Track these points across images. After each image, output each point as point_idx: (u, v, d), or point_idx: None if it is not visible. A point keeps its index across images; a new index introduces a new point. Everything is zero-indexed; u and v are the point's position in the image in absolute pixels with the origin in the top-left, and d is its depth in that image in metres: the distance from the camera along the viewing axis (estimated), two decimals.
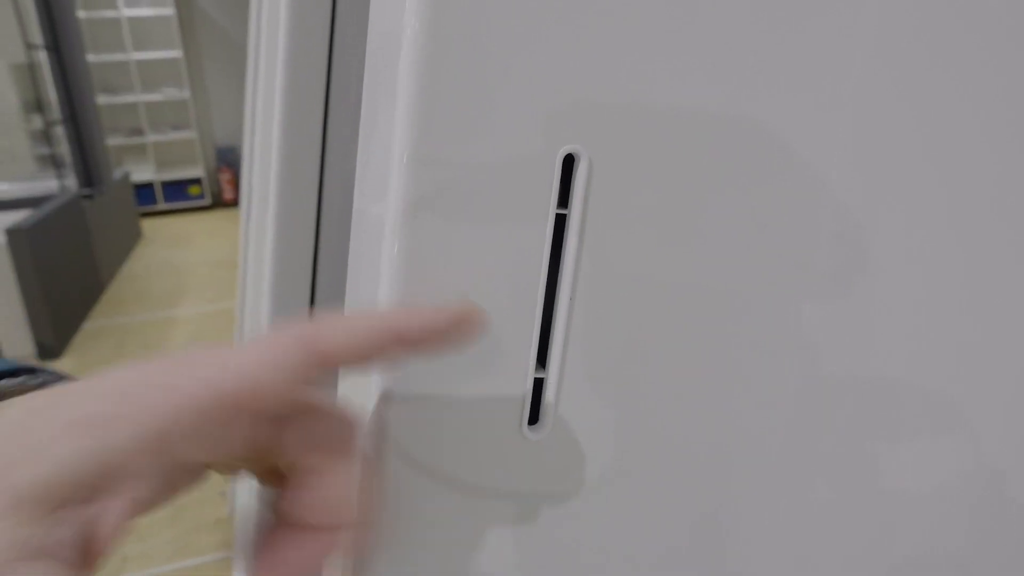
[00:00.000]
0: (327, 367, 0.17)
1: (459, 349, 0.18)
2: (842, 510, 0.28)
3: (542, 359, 0.22)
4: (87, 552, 0.15)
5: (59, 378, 0.22)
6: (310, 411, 0.19)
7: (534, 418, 0.23)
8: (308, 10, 0.48)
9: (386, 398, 0.22)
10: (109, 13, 3.94)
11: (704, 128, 0.21)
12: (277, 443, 0.18)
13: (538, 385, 0.22)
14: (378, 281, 0.21)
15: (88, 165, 3.07)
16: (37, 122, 3.26)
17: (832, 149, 0.22)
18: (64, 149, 3.05)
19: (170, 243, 3.84)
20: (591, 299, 0.22)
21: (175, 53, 4.11)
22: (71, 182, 3.04)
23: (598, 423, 0.23)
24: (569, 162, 0.20)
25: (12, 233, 2.31)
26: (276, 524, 0.19)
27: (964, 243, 0.25)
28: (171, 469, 0.17)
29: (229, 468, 0.20)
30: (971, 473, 0.28)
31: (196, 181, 4.38)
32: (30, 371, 0.21)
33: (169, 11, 4.02)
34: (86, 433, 0.15)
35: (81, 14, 3.52)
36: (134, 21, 4.00)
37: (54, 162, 3.07)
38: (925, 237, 0.24)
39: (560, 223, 0.21)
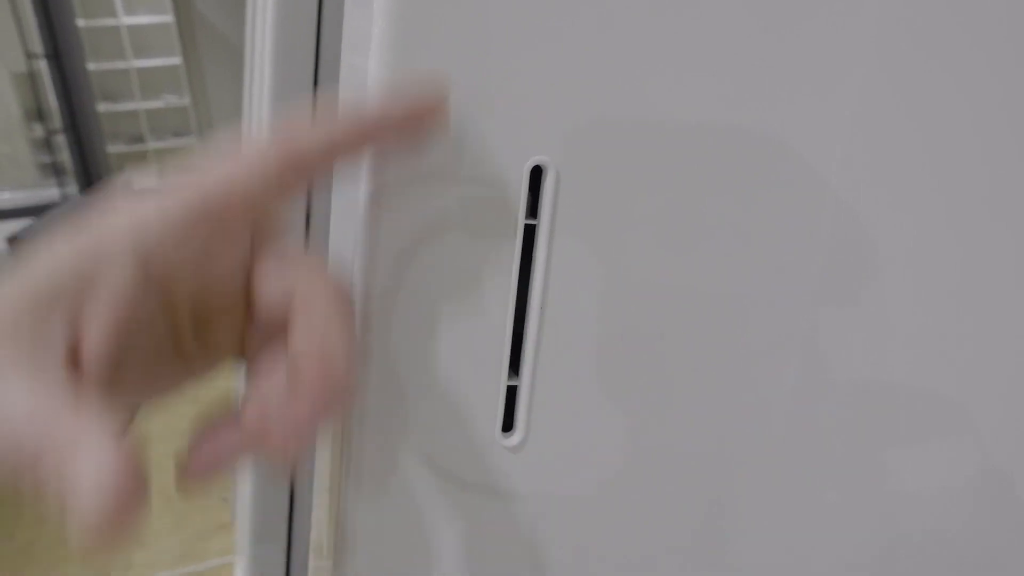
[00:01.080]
0: (304, 169, 0.18)
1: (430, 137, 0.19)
2: (842, 511, 0.28)
3: (516, 367, 0.23)
4: (73, 357, 0.16)
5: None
6: (282, 253, 0.19)
7: (508, 425, 0.23)
8: (295, 13, 0.48)
9: (369, 394, 0.22)
10: (109, 21, 3.95)
11: (677, 136, 0.21)
12: (255, 281, 0.19)
13: (512, 392, 0.23)
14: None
15: (89, 173, 3.07)
16: (38, 130, 3.27)
17: (829, 154, 0.22)
18: (65, 157, 3.06)
19: None
20: (562, 307, 0.22)
21: (175, 60, 4.11)
22: (72, 190, 3.05)
23: (575, 429, 0.24)
24: (538, 173, 0.20)
25: (13, 242, 2.31)
26: (266, 390, 0.19)
27: (964, 245, 0.25)
28: (151, 288, 0.17)
29: (216, 343, 0.20)
30: (970, 471, 0.28)
31: None
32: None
33: (168, 18, 4.02)
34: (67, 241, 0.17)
35: (80, 22, 3.53)
36: (133, 28, 4.01)
37: (55, 170, 3.07)
38: (925, 240, 0.24)
39: (530, 233, 0.21)
